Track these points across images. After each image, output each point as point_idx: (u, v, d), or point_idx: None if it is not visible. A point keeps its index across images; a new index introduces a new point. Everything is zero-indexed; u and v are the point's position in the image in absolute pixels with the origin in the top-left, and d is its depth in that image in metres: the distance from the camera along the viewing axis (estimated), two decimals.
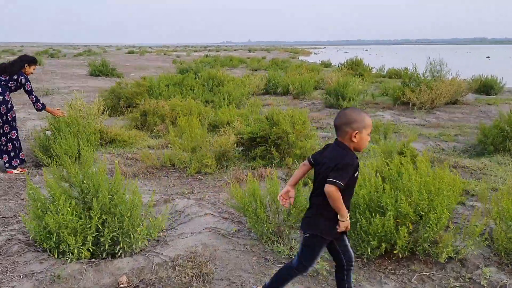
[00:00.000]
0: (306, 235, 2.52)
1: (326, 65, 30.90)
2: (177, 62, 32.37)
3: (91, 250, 3.19)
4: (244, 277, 3.14)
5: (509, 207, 3.43)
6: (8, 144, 5.53)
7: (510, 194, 3.57)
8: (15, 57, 5.72)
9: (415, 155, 4.78)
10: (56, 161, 4.10)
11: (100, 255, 3.25)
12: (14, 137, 5.59)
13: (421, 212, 3.29)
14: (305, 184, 5.26)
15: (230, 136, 6.10)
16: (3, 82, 5.53)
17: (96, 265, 3.09)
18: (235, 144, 6.45)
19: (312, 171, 2.63)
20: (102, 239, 3.15)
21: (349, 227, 2.49)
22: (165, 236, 3.76)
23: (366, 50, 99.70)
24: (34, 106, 5.61)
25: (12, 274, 3.01)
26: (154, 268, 3.14)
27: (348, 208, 2.49)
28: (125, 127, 8.07)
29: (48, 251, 3.18)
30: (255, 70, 26.92)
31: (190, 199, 4.65)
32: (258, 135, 6.23)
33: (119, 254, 3.25)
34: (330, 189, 2.32)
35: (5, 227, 3.84)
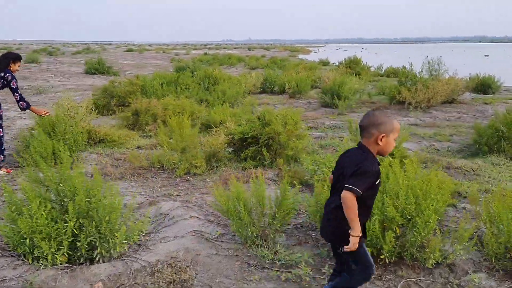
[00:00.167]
0: (342, 245, 2.37)
1: (325, 63, 30.77)
2: (175, 61, 32.23)
3: (68, 255, 3.10)
4: (225, 283, 3.05)
5: (499, 211, 3.34)
6: None
7: (502, 197, 3.47)
8: None
9: (405, 156, 4.68)
10: (36, 163, 3.99)
11: (78, 261, 3.15)
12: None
13: (408, 216, 3.19)
14: (293, 185, 5.18)
15: (220, 136, 5.99)
16: None
17: (71, 271, 2.99)
18: (226, 145, 6.36)
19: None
20: (78, 244, 3.05)
21: (356, 246, 2.29)
22: (147, 240, 3.66)
23: (366, 49, 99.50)
24: (18, 105, 5.50)
25: None
26: (132, 274, 3.04)
27: (363, 226, 2.36)
28: (116, 126, 7.97)
29: (22, 256, 3.08)
30: (253, 68, 26.77)
31: (176, 201, 4.55)
32: (249, 135, 6.13)
33: (97, 259, 3.16)
34: (346, 196, 2.21)
35: None
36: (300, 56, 51.10)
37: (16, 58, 5.59)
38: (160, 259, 3.25)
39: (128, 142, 6.99)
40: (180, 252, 3.41)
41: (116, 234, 3.16)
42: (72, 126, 5.75)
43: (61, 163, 3.23)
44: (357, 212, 2.23)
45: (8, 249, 3.24)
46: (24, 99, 5.53)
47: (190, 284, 2.97)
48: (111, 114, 9.52)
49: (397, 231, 3.26)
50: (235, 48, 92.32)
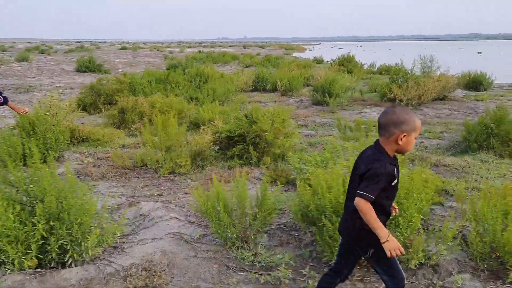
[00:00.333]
0: (372, 251, 2.25)
1: (319, 61, 30.69)
2: (169, 58, 32.05)
3: (39, 259, 2.98)
4: (201, 287, 2.95)
5: (484, 210, 3.25)
6: None
7: (488, 195, 3.38)
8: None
9: None
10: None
11: (48, 264, 3.04)
12: None
13: (391, 216, 3.09)
14: (274, 181, 5.08)
15: (206, 135, 5.88)
16: None
17: (41, 276, 2.88)
18: (213, 143, 6.25)
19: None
20: (49, 248, 2.94)
21: (400, 249, 2.12)
22: (124, 242, 3.55)
23: (360, 47, 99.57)
24: None
25: None
26: (104, 278, 2.93)
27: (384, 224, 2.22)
28: (102, 125, 7.83)
29: None
30: (247, 66, 26.67)
31: (157, 201, 4.44)
32: (236, 133, 6.03)
33: (68, 263, 3.05)
34: (359, 203, 2.10)
35: None
36: (295, 54, 51.04)
37: None
38: (135, 263, 3.14)
39: (113, 141, 6.87)
40: (157, 254, 3.30)
41: (89, 237, 3.05)
42: (53, 125, 5.62)
43: (33, 163, 3.11)
44: (375, 217, 2.11)
45: None
46: (2, 93, 5.38)
47: None
48: (98, 113, 9.38)
49: None
50: (230, 46, 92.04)
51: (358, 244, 2.30)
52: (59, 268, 3.03)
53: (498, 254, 3.17)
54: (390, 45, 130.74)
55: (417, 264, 3.14)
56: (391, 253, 2.11)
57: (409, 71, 11.37)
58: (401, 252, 2.12)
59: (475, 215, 3.34)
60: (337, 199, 3.26)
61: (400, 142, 2.13)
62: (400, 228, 3.08)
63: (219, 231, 3.38)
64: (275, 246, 3.59)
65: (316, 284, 2.98)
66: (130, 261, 3.17)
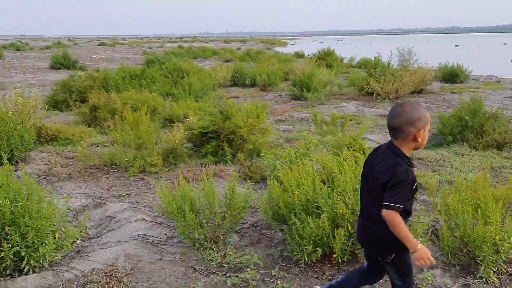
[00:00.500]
0: (393, 256, 2.16)
1: (299, 55, 30.63)
2: (147, 54, 31.57)
3: None
4: None
5: (455, 204, 3.21)
6: None
7: (459, 189, 3.35)
8: None
9: (365, 149, 4.54)
10: None
11: (4, 272, 2.88)
12: None
13: (359, 212, 3.02)
14: (250, 178, 4.98)
15: (178, 132, 5.73)
16: None
17: None
18: (186, 140, 6.11)
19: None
20: (2, 255, 2.77)
21: (429, 258, 2.07)
22: (87, 246, 3.40)
23: (341, 41, 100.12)
24: None
25: None
26: (63, 285, 2.79)
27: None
28: (73, 123, 7.60)
29: None
30: (228, 61, 26.44)
31: (125, 202, 4.29)
32: (210, 130, 5.90)
33: (26, 270, 2.89)
34: (389, 216, 2.00)
35: None
36: (276, 48, 50.94)
37: None
38: (96, 268, 3.00)
39: (83, 140, 6.65)
40: (121, 258, 3.17)
41: (46, 243, 2.89)
42: (18, 124, 5.39)
43: None
44: (405, 228, 2.04)
45: None
46: None
47: None
48: (70, 110, 9.10)
49: (350, 228, 3.10)
50: (211, 41, 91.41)
51: (379, 251, 2.22)
52: (17, 275, 2.87)
53: (469, 248, 3.14)
54: (370, 39, 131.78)
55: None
56: (423, 261, 2.07)
57: (387, 65, 11.39)
58: (430, 262, 2.07)
59: (446, 209, 3.30)
60: (307, 197, 3.18)
61: (419, 140, 2.06)
62: None
63: (185, 232, 3.26)
64: (245, 246, 3.50)
65: (285, 284, 2.91)
66: (92, 266, 3.03)
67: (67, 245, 3.07)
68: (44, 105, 7.89)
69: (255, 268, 3.08)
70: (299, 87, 11.17)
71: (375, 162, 2.14)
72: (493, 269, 3.00)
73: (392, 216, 2.00)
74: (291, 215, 3.13)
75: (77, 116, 8.01)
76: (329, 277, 3.04)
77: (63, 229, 3.09)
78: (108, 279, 2.82)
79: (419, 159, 5.64)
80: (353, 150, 4.43)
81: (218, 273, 3.03)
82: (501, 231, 3.00)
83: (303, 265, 3.13)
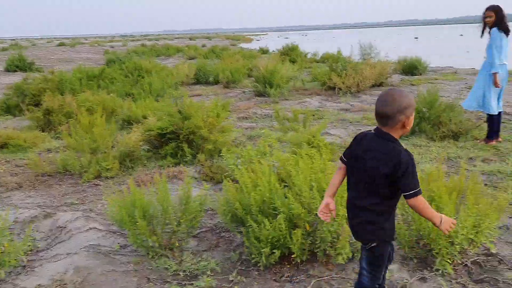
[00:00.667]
0: (373, 244, 2.18)
1: (264, 51, 30.61)
2: (109, 53, 30.74)
3: None
4: None
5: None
6: None
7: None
8: None
9: (324, 145, 4.52)
10: None
11: None
12: None
13: (315, 212, 2.98)
14: (211, 179, 4.87)
15: (133, 134, 5.54)
16: None
17: None
18: (143, 142, 5.93)
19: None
20: None
21: (452, 222, 2.13)
22: (34, 260, 3.21)
23: (306, 35, 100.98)
24: None
25: None
26: None
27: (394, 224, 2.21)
28: (27, 128, 7.25)
29: None
30: (191, 58, 26.09)
31: (78, 210, 4.10)
32: (168, 130, 5.74)
33: None
34: (416, 203, 2.04)
35: None
36: (242, 44, 50.73)
37: None
38: (42, 284, 2.83)
39: (37, 146, 6.35)
40: (69, 272, 3.00)
41: None
42: None
43: None
44: (430, 207, 2.11)
45: None
46: None
47: None
48: (24, 115, 8.70)
49: (308, 228, 3.05)
50: (176, 38, 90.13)
51: (363, 234, 2.23)
52: None
53: (425, 241, 3.16)
54: (334, 33, 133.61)
55: (347, 258, 3.06)
56: (447, 231, 2.13)
57: (348, 59, 11.49)
58: (454, 224, 2.13)
59: (402, 203, 3.30)
60: (263, 198, 3.11)
61: (407, 126, 2.09)
62: (326, 223, 2.97)
63: (138, 241, 3.13)
64: (203, 251, 3.40)
65: None
66: (38, 282, 2.86)
67: (9, 262, 2.87)
68: None
69: (212, 274, 2.99)
70: (262, 84, 11.11)
71: (367, 152, 2.11)
72: (449, 261, 3.02)
73: (419, 201, 2.04)
74: (247, 217, 3.05)
75: (30, 121, 7.65)
76: (288, 278, 2.99)
77: (5, 245, 2.89)
78: None
79: None
80: (312, 146, 4.40)
81: (172, 282, 2.92)
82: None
83: (262, 268, 3.06)
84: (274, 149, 5.39)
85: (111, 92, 9.65)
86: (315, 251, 3.12)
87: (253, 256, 3.07)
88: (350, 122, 7.70)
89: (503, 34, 5.58)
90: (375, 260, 2.22)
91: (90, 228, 3.68)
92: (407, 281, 2.90)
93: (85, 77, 10.32)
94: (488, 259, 3.18)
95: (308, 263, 3.13)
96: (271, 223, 2.94)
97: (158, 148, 5.94)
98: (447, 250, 3.02)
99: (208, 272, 3.00)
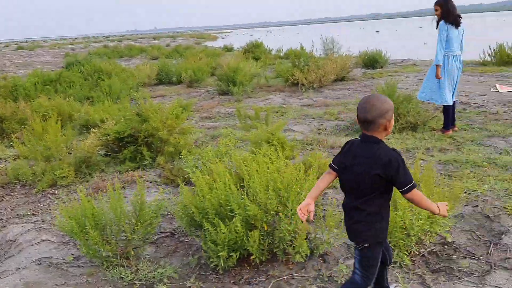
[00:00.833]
0: (366, 245, 2.23)
1: (228, 49, 30.47)
2: (70, 56, 29.82)
3: None
4: None
5: None
6: None
7: None
8: None
9: (284, 144, 4.50)
10: None
11: None
12: None
13: (273, 212, 2.95)
14: (172, 182, 4.77)
15: (89, 139, 5.36)
16: None
17: None
18: (102, 147, 5.74)
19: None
20: None
21: (446, 205, 2.26)
22: None
23: (271, 32, 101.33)
24: None
25: None
26: None
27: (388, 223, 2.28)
28: None
29: None
30: (155, 58, 25.67)
31: (30, 222, 3.91)
32: (126, 134, 5.58)
33: None
34: (413, 196, 2.13)
35: None
36: (207, 43, 50.34)
37: None
38: None
39: None
40: None
41: None
42: None
43: None
44: (426, 197, 2.19)
45: None
46: None
47: None
48: None
49: (266, 228, 3.01)
50: (140, 38, 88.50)
51: (356, 235, 2.27)
52: None
53: None
54: (299, 29, 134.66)
55: (306, 256, 3.05)
56: (445, 212, 2.24)
57: (310, 54, 11.55)
58: (447, 205, 2.26)
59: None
60: (219, 200, 3.05)
61: (388, 129, 2.18)
62: (284, 223, 2.94)
63: (90, 251, 3.00)
64: (161, 257, 3.30)
65: None
66: None
67: None
68: None
69: (168, 282, 2.91)
70: (225, 82, 11.03)
71: (358, 160, 2.18)
72: (406, 252, 3.06)
73: (415, 195, 2.13)
74: (204, 220, 2.98)
75: None
76: (247, 280, 2.94)
77: None
78: None
79: (340, 146, 5.70)
80: (272, 145, 4.37)
81: None
82: (410, 215, 3.06)
83: (221, 272, 3.01)
84: (235, 149, 5.34)
85: (69, 96, 9.33)
86: (275, 250, 3.09)
87: (211, 260, 3.00)
88: (313, 118, 7.73)
89: (450, 26, 5.73)
90: (366, 260, 2.27)
91: (42, 240, 3.52)
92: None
93: (41, 82, 9.93)
94: (445, 248, 3.23)
95: (269, 263, 3.10)
96: (228, 225, 2.89)
97: (116, 152, 5.78)
98: (404, 242, 3.06)
99: (165, 280, 2.91)
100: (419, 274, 2.91)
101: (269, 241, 3.06)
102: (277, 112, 8.40)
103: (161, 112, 5.80)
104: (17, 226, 3.81)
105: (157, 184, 5.00)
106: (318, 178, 3.58)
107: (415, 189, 2.12)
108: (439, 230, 3.25)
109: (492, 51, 12.76)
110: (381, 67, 14.06)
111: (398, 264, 3.01)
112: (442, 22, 5.75)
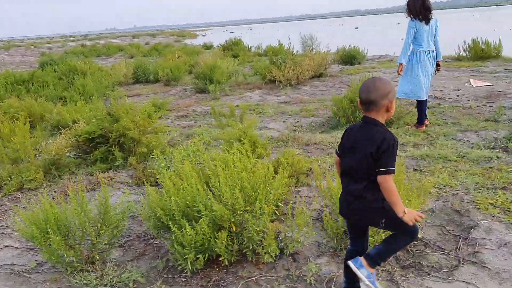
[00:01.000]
0: (383, 221, 2.26)
1: (208, 47, 30.28)
2: (46, 55, 29.18)
3: None
4: None
5: (332, 187, 3.22)
6: None
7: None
8: None
9: (256, 142, 4.44)
10: None
11: None
12: None
13: (240, 212, 2.90)
14: (138, 184, 4.68)
15: (58, 140, 5.22)
16: None
17: None
18: (73, 148, 5.60)
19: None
20: None
21: (419, 215, 2.18)
22: None
23: (251, 29, 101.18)
24: None
25: None
26: None
27: None
28: None
29: None
30: (133, 57, 25.31)
31: None
32: (96, 134, 5.45)
33: None
34: (384, 181, 2.11)
35: None
36: (187, 41, 49.98)
37: None
38: None
39: None
40: None
41: None
42: None
43: None
44: (398, 194, 2.15)
45: None
46: None
47: None
48: None
49: (234, 229, 2.96)
50: (118, 37, 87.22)
51: (370, 221, 2.33)
52: None
53: None
54: (279, 26, 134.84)
55: (275, 255, 3.00)
56: (410, 222, 2.17)
57: (287, 51, 11.53)
58: (421, 217, 2.19)
59: (329, 195, 3.29)
60: (185, 201, 2.98)
61: (391, 110, 2.22)
62: (251, 223, 2.89)
63: (53, 257, 2.90)
64: (128, 261, 3.22)
65: None
66: None
67: None
68: None
69: (134, 286, 2.83)
70: (202, 80, 10.92)
71: (358, 143, 2.23)
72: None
73: (387, 180, 2.12)
74: (170, 222, 2.91)
75: None
76: (216, 282, 2.88)
77: None
78: None
79: (315, 143, 5.71)
80: (243, 143, 4.31)
81: None
82: None
83: (189, 274, 2.94)
84: (206, 149, 5.27)
85: (42, 96, 9.10)
86: (244, 251, 3.04)
87: (179, 262, 2.94)
88: (289, 115, 7.70)
89: (418, 22, 5.76)
90: (397, 226, 2.24)
91: (5, 247, 3.40)
92: (334, 274, 2.88)
93: (13, 82, 9.65)
94: (415, 244, 3.23)
95: (238, 264, 3.05)
96: (194, 227, 2.82)
97: (87, 153, 5.64)
98: (374, 239, 3.04)
99: (131, 284, 2.83)
100: (388, 271, 2.89)
101: (239, 241, 3.01)
102: (253, 110, 8.35)
103: (132, 112, 5.68)
104: None
105: (129, 185, 4.90)
106: (289, 176, 3.55)
107: (391, 177, 2.12)
108: None
109: (467, 46, 12.95)
110: (359, 63, 14.14)
111: None
112: (409, 19, 5.81)
